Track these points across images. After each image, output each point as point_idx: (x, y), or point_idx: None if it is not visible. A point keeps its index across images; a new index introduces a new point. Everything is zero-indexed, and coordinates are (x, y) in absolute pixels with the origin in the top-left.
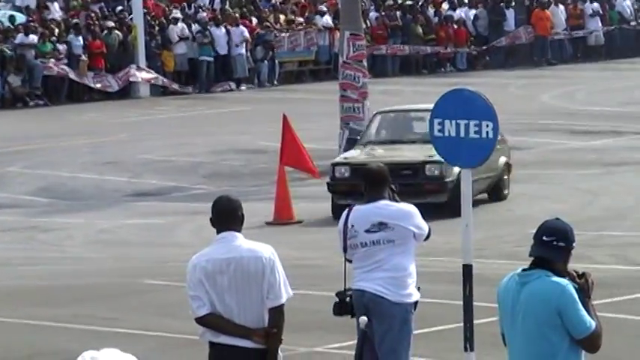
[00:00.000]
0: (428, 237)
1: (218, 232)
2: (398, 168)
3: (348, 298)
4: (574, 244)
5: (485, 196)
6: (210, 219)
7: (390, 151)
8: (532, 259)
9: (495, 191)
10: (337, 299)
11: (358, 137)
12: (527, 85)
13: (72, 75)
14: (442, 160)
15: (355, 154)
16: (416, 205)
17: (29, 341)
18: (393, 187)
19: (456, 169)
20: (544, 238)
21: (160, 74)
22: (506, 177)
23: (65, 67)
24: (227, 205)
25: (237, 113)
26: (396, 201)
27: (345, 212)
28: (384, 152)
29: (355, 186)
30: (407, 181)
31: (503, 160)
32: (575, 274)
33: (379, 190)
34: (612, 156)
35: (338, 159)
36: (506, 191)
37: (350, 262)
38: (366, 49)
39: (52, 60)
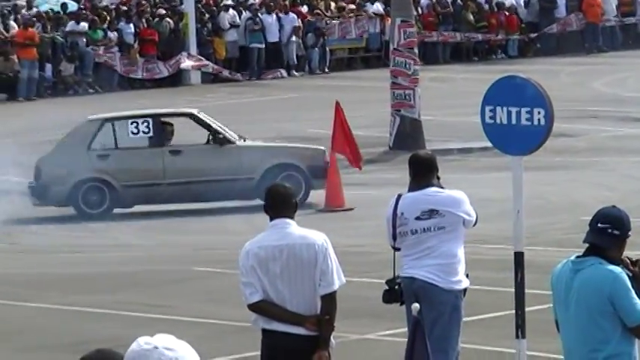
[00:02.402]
0: (475, 224)
1: (271, 219)
2: None
3: (397, 286)
4: (629, 233)
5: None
6: (264, 206)
7: None
8: (587, 246)
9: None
10: (387, 287)
11: None
12: (578, 72)
13: (117, 66)
14: None
15: None
16: None
17: (78, 328)
18: (438, 174)
19: None
20: (599, 225)
21: (211, 61)
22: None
23: (113, 56)
24: (281, 192)
25: (288, 100)
26: (442, 188)
27: (394, 200)
28: None
29: None
30: None
31: None
32: (628, 261)
33: (428, 176)
34: None
35: None
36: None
37: (398, 250)
38: (417, 37)
39: (102, 47)
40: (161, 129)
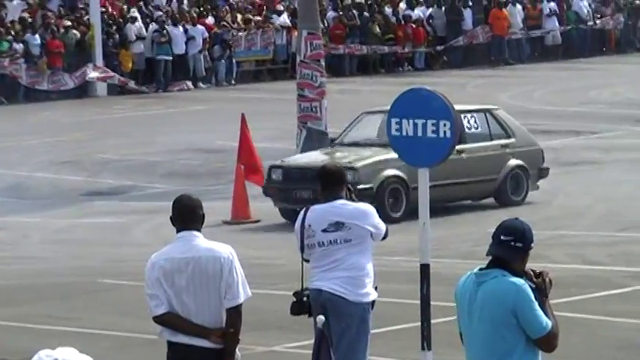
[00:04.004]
0: (385, 237)
1: (178, 231)
2: (310, 172)
3: (305, 298)
4: (532, 245)
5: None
6: (171, 217)
7: (344, 153)
8: (490, 258)
9: (500, 195)
10: (294, 299)
11: (328, 136)
12: (484, 84)
13: (23, 78)
14: (357, 166)
15: (301, 157)
16: None
17: None
18: (350, 186)
19: (381, 176)
20: (502, 237)
21: (117, 73)
22: (519, 181)
23: (19, 67)
24: (187, 204)
25: (195, 112)
26: (353, 200)
27: (302, 212)
28: (339, 155)
29: (287, 191)
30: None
31: (512, 162)
32: (532, 273)
33: (336, 189)
34: (570, 155)
35: (276, 162)
36: (520, 196)
37: (307, 261)
38: (324, 49)
39: (8, 59)
40: None
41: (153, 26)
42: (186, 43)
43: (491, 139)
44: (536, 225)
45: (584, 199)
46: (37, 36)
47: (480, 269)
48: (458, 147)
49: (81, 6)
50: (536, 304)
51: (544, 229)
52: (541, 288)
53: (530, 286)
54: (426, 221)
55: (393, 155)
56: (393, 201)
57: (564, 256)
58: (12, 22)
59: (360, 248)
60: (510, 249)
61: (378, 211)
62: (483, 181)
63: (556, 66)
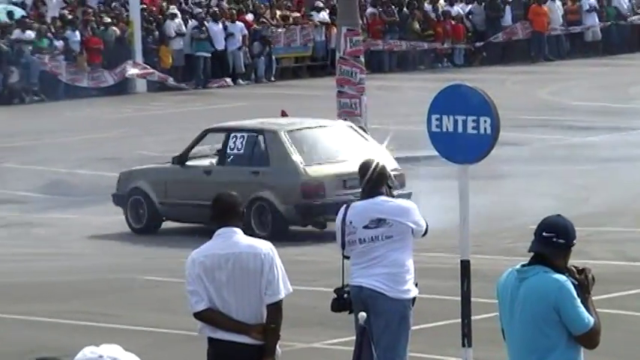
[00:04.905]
0: (425, 233)
1: (218, 228)
2: None
3: (345, 294)
4: (574, 241)
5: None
6: (211, 214)
7: None
8: (532, 254)
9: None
10: (335, 295)
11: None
12: (524, 80)
13: (62, 75)
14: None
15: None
16: None
17: (26, 337)
18: (389, 183)
19: None
20: (544, 234)
21: (156, 70)
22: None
23: (59, 64)
24: (228, 201)
25: (234, 109)
26: (393, 197)
27: (343, 208)
28: None
29: None
30: None
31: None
32: (574, 269)
33: (377, 185)
34: (609, 152)
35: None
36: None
37: (347, 258)
38: (363, 45)
39: (47, 56)
40: None
41: (192, 23)
42: (225, 39)
43: (250, 165)
44: (576, 221)
45: (624, 195)
46: (77, 33)
47: (522, 266)
48: (206, 167)
49: (120, 3)
50: (578, 300)
51: (583, 225)
52: (583, 285)
53: (573, 283)
54: (467, 217)
55: None
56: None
57: (604, 253)
58: (52, 18)
59: (401, 245)
60: (552, 245)
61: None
62: None
63: (596, 62)
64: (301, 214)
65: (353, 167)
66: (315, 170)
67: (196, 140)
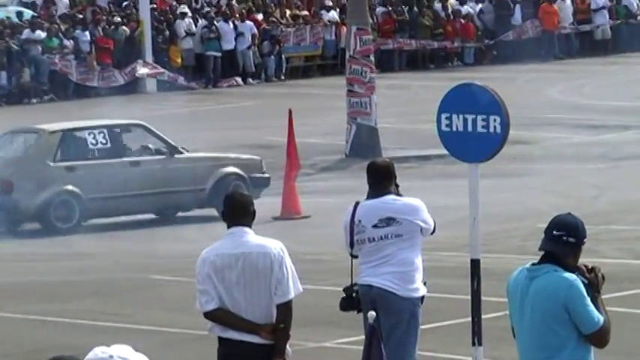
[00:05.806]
0: (433, 232)
1: (228, 227)
2: None
3: (354, 293)
4: (585, 240)
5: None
6: (222, 213)
7: None
8: (542, 253)
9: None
10: (344, 294)
11: None
12: (534, 79)
13: (73, 74)
14: None
15: None
16: None
17: (37, 337)
18: (396, 182)
19: None
20: (554, 232)
21: (166, 69)
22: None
23: (69, 64)
24: (239, 200)
25: (244, 108)
26: (400, 196)
27: (352, 207)
28: None
29: None
30: None
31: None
32: (584, 268)
33: (385, 184)
34: (619, 150)
35: None
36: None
37: (355, 257)
38: (373, 44)
39: (58, 56)
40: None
41: (202, 22)
42: (235, 39)
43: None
44: (586, 219)
45: (633, 193)
46: (86, 32)
47: (532, 264)
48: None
49: (131, 2)
50: (588, 299)
51: (593, 223)
52: (593, 283)
53: (583, 282)
54: (477, 216)
55: None
56: None
57: (615, 251)
58: (61, 17)
59: (410, 243)
60: (563, 244)
61: None
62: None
63: (605, 61)
64: None
65: None
66: None
67: None
